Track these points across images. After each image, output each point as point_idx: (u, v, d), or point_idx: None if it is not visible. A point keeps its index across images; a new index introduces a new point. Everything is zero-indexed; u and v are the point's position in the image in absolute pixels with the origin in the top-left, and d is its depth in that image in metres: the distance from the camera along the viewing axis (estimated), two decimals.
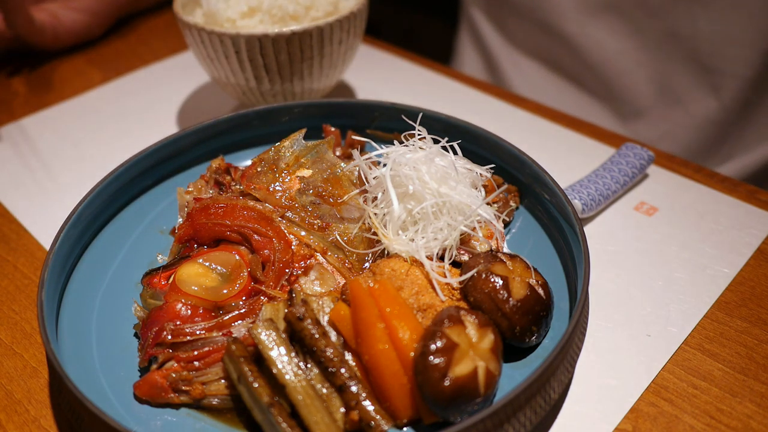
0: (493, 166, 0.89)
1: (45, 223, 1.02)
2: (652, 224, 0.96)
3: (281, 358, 0.67)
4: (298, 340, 0.70)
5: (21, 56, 1.53)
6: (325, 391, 0.67)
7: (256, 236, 0.82)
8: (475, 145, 0.95)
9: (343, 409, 0.66)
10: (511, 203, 0.92)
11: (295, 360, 0.68)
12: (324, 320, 0.73)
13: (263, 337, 0.68)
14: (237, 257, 0.81)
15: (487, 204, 0.84)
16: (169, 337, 0.72)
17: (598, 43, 1.42)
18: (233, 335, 0.73)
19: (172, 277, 0.79)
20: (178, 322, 0.74)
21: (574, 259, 0.79)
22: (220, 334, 0.73)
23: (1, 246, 0.99)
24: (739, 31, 1.26)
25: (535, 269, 0.76)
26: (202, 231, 0.84)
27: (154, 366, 0.72)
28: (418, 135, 0.87)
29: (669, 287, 0.86)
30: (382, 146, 0.88)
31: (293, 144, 0.92)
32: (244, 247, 0.83)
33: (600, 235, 0.94)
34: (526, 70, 1.58)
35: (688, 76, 1.35)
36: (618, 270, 0.89)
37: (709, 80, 1.34)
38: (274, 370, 0.67)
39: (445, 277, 0.76)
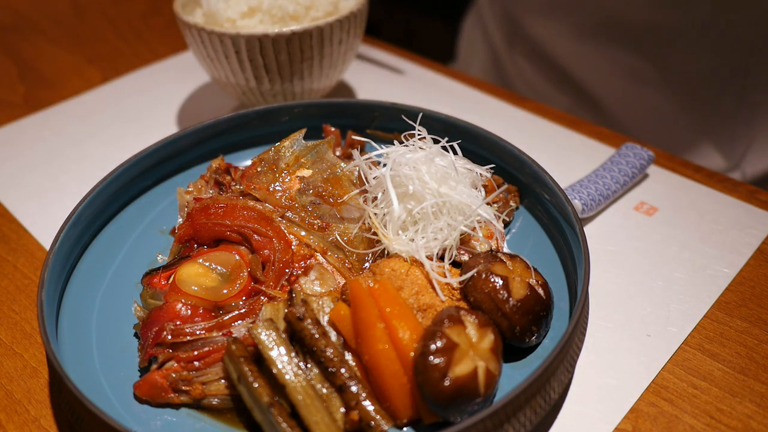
0: (493, 166, 0.89)
1: (45, 223, 1.02)
2: (652, 224, 0.96)
3: (281, 358, 0.67)
4: (298, 340, 0.70)
5: (20, 55, 1.53)
6: (325, 391, 0.67)
7: (256, 236, 0.82)
8: (475, 145, 0.95)
9: (343, 409, 0.66)
10: (511, 203, 0.92)
11: (295, 360, 0.68)
12: (324, 320, 0.73)
13: (263, 337, 0.68)
14: (237, 257, 0.81)
15: (487, 204, 0.84)
16: (169, 337, 0.72)
17: (587, 63, 1.43)
18: (233, 335, 0.73)
19: (172, 277, 0.79)
20: (178, 322, 0.74)
21: (574, 259, 0.79)
22: (220, 334, 0.73)
23: (1, 246, 0.99)
24: (712, 68, 1.30)
25: (535, 269, 0.76)
26: (202, 231, 0.84)
27: (154, 366, 0.72)
28: (418, 135, 0.87)
29: (669, 287, 0.86)
30: (382, 146, 0.88)
31: (293, 144, 0.92)
32: (244, 247, 0.83)
33: (600, 235, 0.94)
34: (526, 71, 1.58)
35: (672, 105, 1.37)
36: (618, 270, 0.89)
37: (693, 110, 1.36)
38: (274, 370, 0.67)
39: (445, 277, 0.76)
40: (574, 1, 1.40)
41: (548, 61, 1.51)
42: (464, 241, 0.82)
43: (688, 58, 1.32)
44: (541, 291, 0.74)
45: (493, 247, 0.83)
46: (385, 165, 0.84)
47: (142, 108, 1.30)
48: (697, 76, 1.33)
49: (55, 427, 0.73)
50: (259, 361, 0.69)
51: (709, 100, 1.34)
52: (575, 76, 1.46)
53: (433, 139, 0.86)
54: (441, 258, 0.79)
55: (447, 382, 0.63)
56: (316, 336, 0.69)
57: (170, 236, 0.92)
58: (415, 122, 0.89)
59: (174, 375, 0.70)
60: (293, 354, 0.68)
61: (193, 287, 0.77)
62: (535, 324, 0.72)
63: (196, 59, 1.15)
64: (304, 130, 0.94)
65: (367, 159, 0.86)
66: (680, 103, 1.37)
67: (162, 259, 0.88)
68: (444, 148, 0.85)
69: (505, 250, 0.88)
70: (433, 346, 0.65)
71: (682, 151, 1.37)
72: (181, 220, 0.91)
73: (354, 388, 0.67)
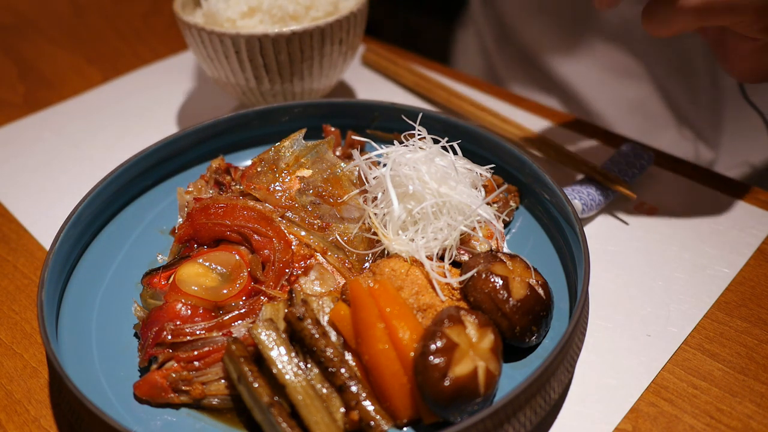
0: (493, 166, 0.89)
1: (45, 223, 1.02)
2: (652, 224, 0.96)
3: (281, 358, 0.67)
4: (298, 340, 0.70)
5: (20, 55, 1.53)
6: (325, 391, 0.67)
7: (256, 236, 0.82)
8: (475, 145, 0.95)
9: (343, 409, 0.66)
10: (511, 203, 0.92)
11: (295, 360, 0.68)
12: (324, 320, 0.73)
13: (263, 337, 0.68)
14: (237, 257, 0.81)
15: (487, 204, 0.84)
16: (169, 337, 0.72)
17: (574, 62, 1.44)
18: (233, 335, 0.73)
19: (172, 277, 0.79)
20: (178, 322, 0.74)
21: (574, 259, 0.79)
22: (220, 334, 0.73)
23: (1, 246, 0.99)
24: (689, 59, 1.31)
25: (535, 269, 0.77)
26: (202, 231, 0.84)
27: (154, 366, 0.72)
28: (418, 135, 0.87)
29: (669, 287, 0.86)
30: (382, 146, 0.88)
31: (293, 144, 0.92)
32: (244, 247, 0.83)
33: (600, 235, 0.94)
34: (517, 72, 1.59)
35: (656, 98, 1.38)
36: (618, 270, 0.89)
37: (676, 101, 1.36)
38: (274, 370, 0.67)
39: (445, 277, 0.76)
40: (560, 1, 1.42)
41: (536, 62, 1.52)
42: (464, 241, 0.82)
43: (664, 48, 1.32)
44: (541, 291, 0.74)
45: (493, 247, 0.83)
46: (385, 165, 0.84)
47: (142, 108, 1.30)
48: (675, 65, 1.34)
49: (55, 427, 0.73)
50: (259, 361, 0.69)
51: (687, 87, 1.35)
52: (562, 77, 1.46)
53: (433, 139, 0.86)
54: (441, 258, 0.79)
55: (447, 382, 0.63)
56: (316, 336, 0.69)
57: (170, 236, 0.92)
58: (415, 122, 0.89)
59: (174, 375, 0.70)
60: (293, 354, 0.68)
61: (193, 287, 0.77)
62: (535, 324, 0.72)
63: (196, 59, 1.15)
64: (304, 130, 0.94)
65: (367, 159, 0.86)
66: (662, 95, 1.37)
67: (162, 259, 0.88)
68: (444, 148, 0.85)
69: (505, 250, 0.88)
70: (433, 346, 0.65)
71: (667, 143, 1.38)
72: (181, 220, 0.91)
73: (354, 388, 0.67)
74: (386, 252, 0.81)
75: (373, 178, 0.85)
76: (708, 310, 0.83)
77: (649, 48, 1.34)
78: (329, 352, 0.68)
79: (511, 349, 0.74)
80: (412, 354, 0.67)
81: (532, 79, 1.54)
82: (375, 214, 0.82)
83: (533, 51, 1.50)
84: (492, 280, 0.73)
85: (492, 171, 0.88)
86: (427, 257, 0.77)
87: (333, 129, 1.01)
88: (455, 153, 0.85)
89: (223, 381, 0.71)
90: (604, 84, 1.42)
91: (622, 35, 1.35)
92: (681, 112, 1.37)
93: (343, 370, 0.67)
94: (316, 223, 0.84)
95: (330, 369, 0.68)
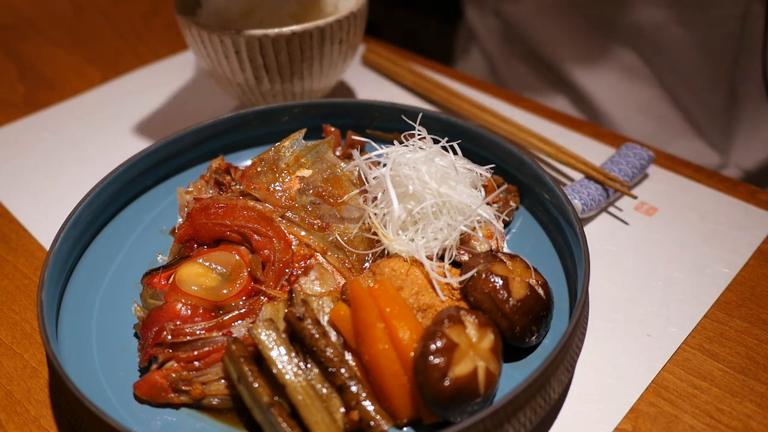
0: (493, 166, 0.89)
1: (45, 223, 1.02)
2: (652, 224, 0.96)
3: (281, 358, 0.68)
4: (298, 340, 0.70)
5: (20, 55, 1.53)
6: (325, 391, 0.67)
7: (256, 236, 0.82)
8: (475, 145, 0.95)
9: (343, 409, 0.66)
10: (511, 203, 0.92)
11: (295, 360, 0.68)
12: (324, 320, 0.73)
13: (263, 337, 0.68)
14: (237, 257, 0.81)
15: (487, 204, 0.84)
16: (169, 337, 0.72)
17: (581, 62, 1.44)
18: (233, 335, 0.73)
19: (172, 277, 0.79)
20: (178, 322, 0.74)
21: (574, 259, 0.79)
22: (220, 334, 0.73)
23: (1, 246, 0.99)
24: (701, 62, 1.31)
25: (535, 269, 0.77)
26: (202, 231, 0.84)
27: (154, 366, 0.72)
28: (418, 135, 0.87)
29: (669, 287, 0.86)
30: (382, 146, 0.88)
31: (293, 144, 0.92)
32: (244, 247, 0.83)
33: (600, 235, 0.94)
34: (520, 72, 1.58)
35: (665, 101, 1.38)
36: (618, 270, 0.89)
37: (685, 105, 1.37)
38: (274, 370, 0.67)
39: (445, 277, 0.76)
40: (566, 2, 1.41)
41: (542, 61, 1.51)
42: (464, 241, 0.82)
43: (677, 53, 1.32)
44: (541, 291, 0.74)
45: (493, 247, 0.83)
46: (385, 165, 0.84)
47: (142, 108, 1.30)
48: (687, 70, 1.33)
49: (55, 427, 0.73)
50: (259, 361, 0.69)
51: (699, 93, 1.35)
52: (573, 78, 1.46)
53: (433, 139, 0.86)
54: (441, 258, 0.79)
55: (447, 382, 0.63)
56: (316, 336, 0.69)
57: (170, 236, 0.92)
58: (415, 122, 0.89)
59: (174, 375, 0.70)
60: (293, 354, 0.68)
61: (193, 287, 0.77)
62: (535, 324, 0.72)
63: (196, 59, 1.15)
64: (304, 130, 0.94)
65: (367, 159, 0.86)
66: (673, 99, 1.37)
67: (162, 259, 0.88)
68: (444, 148, 0.85)
69: (505, 250, 0.88)
70: (433, 346, 0.65)
71: (677, 147, 1.38)
72: (181, 220, 0.91)
73: (354, 388, 0.67)
74: (386, 252, 0.81)
75: (373, 178, 0.85)
76: (708, 310, 0.83)
77: (672, 53, 1.33)
78: (329, 352, 0.68)
79: (511, 349, 0.74)
80: (412, 354, 0.67)
81: (540, 80, 1.53)
82: (375, 214, 0.82)
83: (545, 53, 1.49)
84: (492, 280, 0.73)
85: (492, 171, 0.88)
86: (427, 257, 0.77)
87: (333, 129, 1.01)
88: (455, 153, 0.85)
89: (223, 381, 0.71)
90: (618, 87, 1.41)
91: (645, 39, 1.35)
92: (693, 120, 1.37)
93: (343, 370, 0.68)
94: (316, 223, 0.84)
95: (330, 369, 0.68)
